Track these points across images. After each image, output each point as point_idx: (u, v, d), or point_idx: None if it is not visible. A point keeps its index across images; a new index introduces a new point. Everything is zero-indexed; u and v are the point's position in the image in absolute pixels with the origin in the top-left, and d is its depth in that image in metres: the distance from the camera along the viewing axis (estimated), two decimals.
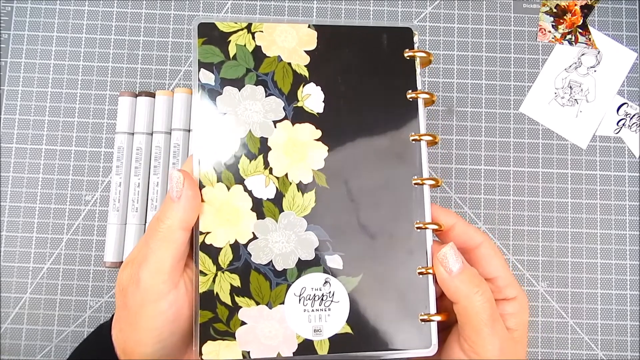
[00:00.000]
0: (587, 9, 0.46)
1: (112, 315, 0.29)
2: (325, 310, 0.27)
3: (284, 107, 0.28)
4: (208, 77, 0.28)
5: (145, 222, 0.42)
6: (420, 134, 0.29)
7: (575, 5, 0.46)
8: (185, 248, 0.26)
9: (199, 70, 0.28)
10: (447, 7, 0.46)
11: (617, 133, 0.44)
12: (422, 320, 0.27)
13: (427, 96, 0.30)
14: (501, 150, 0.44)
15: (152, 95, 0.43)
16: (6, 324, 0.42)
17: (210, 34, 0.29)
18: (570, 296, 0.43)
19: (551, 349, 0.42)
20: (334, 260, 0.27)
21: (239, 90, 0.28)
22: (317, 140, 0.28)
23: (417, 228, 0.28)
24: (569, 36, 0.45)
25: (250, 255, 0.27)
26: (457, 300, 0.26)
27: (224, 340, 0.26)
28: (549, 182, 0.44)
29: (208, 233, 0.27)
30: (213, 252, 0.27)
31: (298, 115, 0.28)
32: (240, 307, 0.27)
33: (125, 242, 0.42)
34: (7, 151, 0.44)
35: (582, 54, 0.45)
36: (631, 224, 0.43)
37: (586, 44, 0.45)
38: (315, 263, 0.27)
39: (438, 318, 0.27)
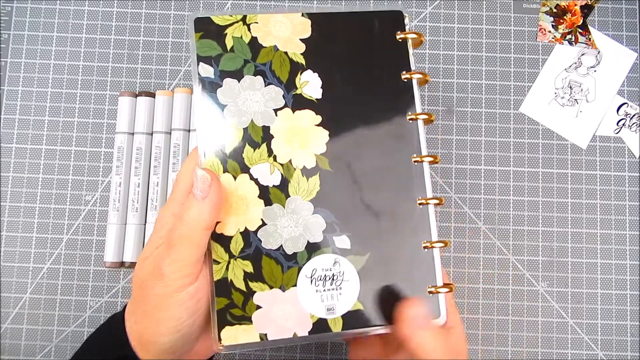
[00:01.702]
0: (587, 9, 0.46)
1: (124, 308, 0.29)
2: (336, 290, 0.28)
3: (283, 96, 0.29)
4: (207, 71, 0.28)
5: (145, 222, 0.42)
6: (417, 113, 0.30)
7: (575, 5, 0.46)
8: (206, 244, 0.27)
9: (198, 64, 0.28)
10: (447, 7, 0.46)
11: (617, 133, 0.44)
12: (430, 292, 0.28)
13: (420, 76, 0.30)
14: (501, 150, 0.44)
15: (152, 95, 0.43)
16: (6, 324, 0.42)
17: (207, 28, 0.29)
18: (570, 296, 0.43)
19: (551, 349, 0.42)
20: (341, 241, 0.28)
21: (239, 82, 0.29)
22: (318, 125, 0.29)
23: (420, 204, 0.29)
24: (569, 36, 0.45)
25: (261, 241, 0.28)
26: (422, 353, 0.27)
27: (241, 324, 0.27)
28: (549, 182, 0.44)
29: (218, 222, 0.27)
30: (224, 241, 0.27)
31: (297, 103, 0.29)
32: (255, 291, 0.27)
33: (125, 242, 0.42)
34: (7, 151, 0.44)
35: (582, 54, 0.45)
36: (631, 224, 0.43)
37: (586, 44, 0.45)
38: (324, 245, 0.28)
39: (445, 290, 0.28)
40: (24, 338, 0.42)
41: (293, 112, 0.29)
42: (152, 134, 0.43)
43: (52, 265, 0.43)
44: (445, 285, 0.29)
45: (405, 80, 0.30)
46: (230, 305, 0.27)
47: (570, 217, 0.43)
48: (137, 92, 0.44)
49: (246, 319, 0.27)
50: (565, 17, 0.46)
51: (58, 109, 0.44)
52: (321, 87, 0.29)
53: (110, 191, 0.43)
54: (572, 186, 0.44)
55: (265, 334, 0.27)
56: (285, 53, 0.29)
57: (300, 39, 0.30)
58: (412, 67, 0.30)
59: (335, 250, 0.28)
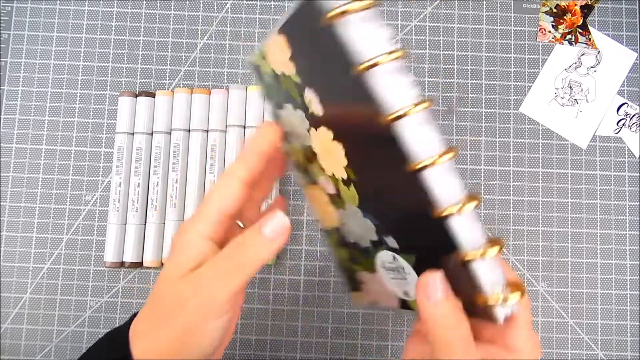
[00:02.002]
0: (587, 9, 0.46)
1: (128, 324, 0.28)
2: (403, 279, 0.29)
3: (305, 117, 0.28)
4: (270, 108, 0.32)
5: (145, 222, 0.42)
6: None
7: (575, 5, 0.46)
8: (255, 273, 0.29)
9: (265, 102, 0.33)
10: (447, 7, 0.46)
11: (617, 133, 0.44)
12: (501, 298, 0.23)
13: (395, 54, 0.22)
14: (501, 150, 0.44)
15: (152, 95, 0.43)
16: (6, 324, 0.42)
17: (257, 72, 0.31)
18: (570, 296, 0.43)
19: (551, 349, 0.42)
20: (391, 241, 0.28)
21: (282, 110, 0.30)
22: (333, 140, 0.27)
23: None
24: (569, 36, 0.45)
25: (344, 236, 0.31)
26: (432, 329, 0.24)
27: (357, 291, 0.33)
28: (549, 182, 0.44)
29: (318, 220, 0.32)
30: (328, 233, 0.33)
31: (314, 121, 0.28)
32: (357, 270, 0.32)
33: (125, 242, 0.42)
34: (7, 151, 0.44)
35: (582, 54, 0.45)
36: (631, 224, 0.43)
37: (586, 44, 0.45)
38: (380, 243, 0.29)
39: (516, 296, 0.23)
40: (24, 338, 0.42)
41: (316, 130, 0.28)
42: (152, 134, 0.43)
43: (52, 265, 0.43)
44: (513, 285, 0.23)
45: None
46: (347, 278, 0.34)
47: (570, 217, 0.43)
48: (137, 92, 0.44)
49: (359, 289, 0.33)
50: (565, 17, 0.46)
51: (58, 109, 0.44)
52: (320, 102, 0.26)
53: (110, 191, 0.43)
54: (572, 186, 0.44)
55: (373, 301, 0.32)
56: (289, 77, 0.28)
57: (289, 59, 0.27)
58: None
59: (389, 248, 0.28)
